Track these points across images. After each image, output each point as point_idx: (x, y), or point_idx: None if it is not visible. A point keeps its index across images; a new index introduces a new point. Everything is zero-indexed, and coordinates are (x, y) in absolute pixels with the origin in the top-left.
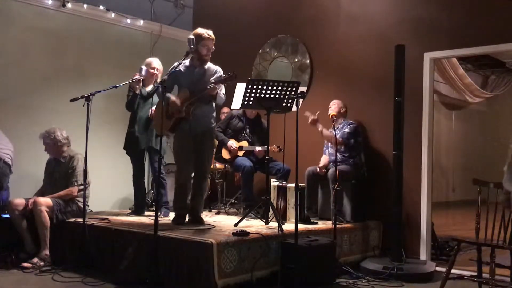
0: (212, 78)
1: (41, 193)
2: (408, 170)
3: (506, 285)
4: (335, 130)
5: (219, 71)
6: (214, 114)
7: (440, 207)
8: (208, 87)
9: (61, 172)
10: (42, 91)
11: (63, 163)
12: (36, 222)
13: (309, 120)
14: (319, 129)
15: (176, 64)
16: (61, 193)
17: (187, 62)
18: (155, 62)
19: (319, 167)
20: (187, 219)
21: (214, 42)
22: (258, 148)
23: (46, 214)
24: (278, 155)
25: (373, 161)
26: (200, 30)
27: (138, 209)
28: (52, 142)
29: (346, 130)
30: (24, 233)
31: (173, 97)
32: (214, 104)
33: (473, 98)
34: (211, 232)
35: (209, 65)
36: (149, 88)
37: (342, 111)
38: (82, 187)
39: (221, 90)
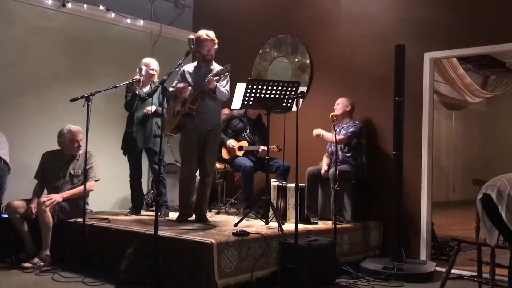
0: (217, 78)
1: (41, 191)
2: (408, 170)
3: (506, 285)
4: (335, 130)
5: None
6: (220, 111)
7: (440, 207)
8: (205, 80)
9: (77, 169)
10: (42, 91)
11: (77, 161)
12: (39, 222)
13: (314, 134)
14: (321, 136)
15: (179, 64)
16: (79, 189)
17: (195, 63)
18: (153, 63)
19: (325, 170)
20: (192, 217)
21: (215, 42)
22: (262, 147)
23: (49, 214)
24: (278, 154)
25: (373, 161)
26: (200, 32)
27: (135, 209)
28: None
29: (351, 129)
30: (24, 235)
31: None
32: (219, 102)
33: (473, 98)
34: (211, 232)
35: (216, 65)
36: (147, 88)
37: (347, 109)
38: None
39: (225, 86)
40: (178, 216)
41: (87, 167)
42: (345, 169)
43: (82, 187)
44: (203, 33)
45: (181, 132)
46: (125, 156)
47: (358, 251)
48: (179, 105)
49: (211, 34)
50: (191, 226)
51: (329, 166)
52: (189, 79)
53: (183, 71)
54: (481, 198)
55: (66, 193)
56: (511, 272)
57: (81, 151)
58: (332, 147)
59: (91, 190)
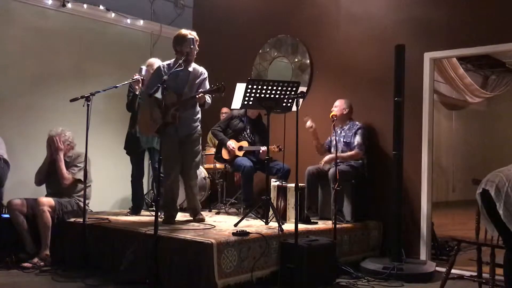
0: (198, 81)
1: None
2: (408, 170)
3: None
4: (335, 131)
5: (205, 73)
6: (199, 116)
7: (440, 207)
8: (197, 96)
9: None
10: (42, 91)
11: (68, 162)
12: (38, 222)
13: (307, 125)
14: (314, 143)
15: (179, 64)
16: (63, 171)
17: (171, 63)
18: (157, 64)
19: (324, 161)
20: (190, 217)
21: (198, 42)
22: (263, 148)
23: (48, 215)
24: (278, 154)
25: (373, 161)
26: (184, 31)
27: (135, 209)
28: (66, 142)
29: (358, 139)
30: (24, 233)
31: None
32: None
33: (473, 98)
34: (211, 232)
35: (194, 65)
36: None
37: (345, 112)
38: (82, 185)
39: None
40: (165, 219)
41: (74, 164)
42: (345, 169)
43: (65, 172)
44: (187, 32)
45: (161, 139)
46: (128, 155)
47: (358, 251)
48: (158, 112)
49: (194, 33)
50: (191, 226)
51: (330, 161)
52: (167, 81)
53: (160, 67)
54: (480, 192)
55: (61, 161)
56: (507, 269)
57: (71, 153)
58: (332, 148)
59: (66, 183)
